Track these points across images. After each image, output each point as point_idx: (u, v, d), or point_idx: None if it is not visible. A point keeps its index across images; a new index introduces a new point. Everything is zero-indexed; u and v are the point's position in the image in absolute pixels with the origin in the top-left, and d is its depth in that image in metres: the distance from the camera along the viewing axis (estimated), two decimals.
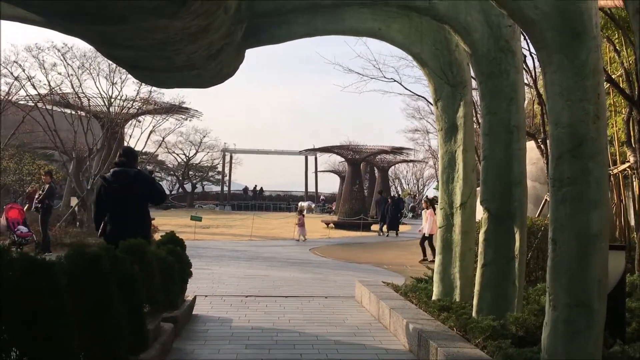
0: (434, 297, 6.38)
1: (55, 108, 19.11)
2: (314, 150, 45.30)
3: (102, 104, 19.53)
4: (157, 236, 10.36)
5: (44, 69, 17.42)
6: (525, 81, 10.32)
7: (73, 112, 18.54)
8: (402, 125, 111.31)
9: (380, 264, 12.87)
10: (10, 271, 2.60)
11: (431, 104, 8.23)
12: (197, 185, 56.04)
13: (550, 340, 3.87)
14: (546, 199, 7.98)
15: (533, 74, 9.83)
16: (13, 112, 17.88)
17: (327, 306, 7.57)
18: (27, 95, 18.68)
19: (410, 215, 38.98)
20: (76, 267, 3.30)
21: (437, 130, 6.75)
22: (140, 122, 22.93)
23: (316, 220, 30.77)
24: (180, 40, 4.55)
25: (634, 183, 9.90)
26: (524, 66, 9.58)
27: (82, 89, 18.34)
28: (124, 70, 10.64)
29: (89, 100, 19.16)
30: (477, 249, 5.66)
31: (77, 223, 17.75)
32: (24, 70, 17.14)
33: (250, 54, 6.74)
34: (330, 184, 69.41)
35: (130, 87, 49.52)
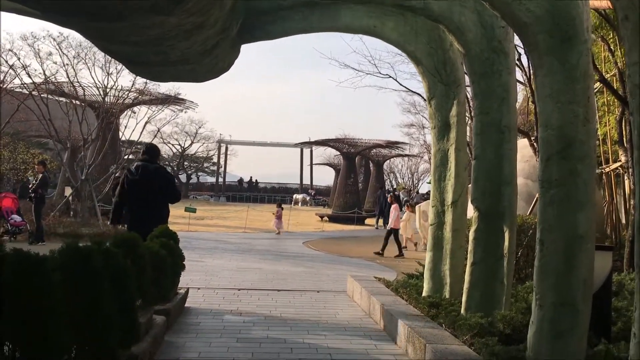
0: (424, 294, 6.44)
1: (50, 97, 19.01)
2: (310, 143, 45.42)
3: (98, 93, 19.46)
4: None
5: (39, 57, 17.34)
6: (520, 79, 10.42)
7: (68, 101, 18.46)
8: (397, 119, 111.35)
9: (372, 259, 12.95)
10: (2, 267, 2.63)
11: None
12: (192, 176, 56.13)
13: (535, 339, 3.94)
14: (537, 197, 8.06)
15: (528, 72, 9.87)
16: (8, 101, 17.78)
17: (318, 300, 7.63)
18: (22, 83, 18.61)
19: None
20: (70, 261, 3.34)
21: (430, 127, 6.80)
22: (135, 112, 22.89)
23: (310, 213, 30.86)
24: (176, 36, 4.58)
25: (625, 182, 10.00)
26: (519, 64, 9.64)
27: (77, 79, 18.27)
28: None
29: (84, 89, 19.07)
30: (468, 246, 5.72)
31: (71, 213, 17.73)
32: (19, 59, 17.04)
33: (251, 48, 6.79)
34: (325, 177, 69.43)
35: (126, 78, 49.54)
